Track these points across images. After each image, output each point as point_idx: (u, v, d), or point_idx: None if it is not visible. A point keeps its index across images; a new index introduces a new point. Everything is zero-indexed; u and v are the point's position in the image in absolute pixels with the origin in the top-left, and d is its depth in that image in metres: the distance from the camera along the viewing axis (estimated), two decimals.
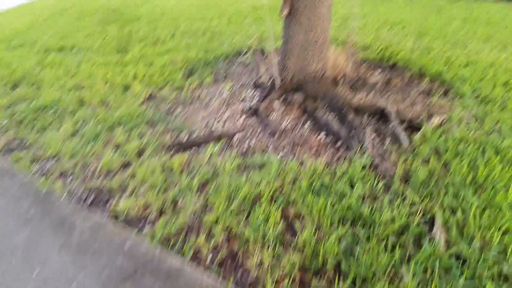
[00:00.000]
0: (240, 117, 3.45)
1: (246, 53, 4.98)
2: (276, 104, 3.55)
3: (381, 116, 3.27)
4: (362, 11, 6.09)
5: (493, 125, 2.97)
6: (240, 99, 3.77)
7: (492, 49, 4.65)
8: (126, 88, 4.02)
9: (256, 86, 4.01)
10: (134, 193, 2.44)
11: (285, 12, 3.47)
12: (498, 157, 2.50)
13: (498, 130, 2.89)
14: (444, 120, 3.13)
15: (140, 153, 2.90)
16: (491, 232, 1.97)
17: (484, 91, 3.52)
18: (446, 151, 2.68)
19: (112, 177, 2.62)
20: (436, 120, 3.07)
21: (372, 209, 2.16)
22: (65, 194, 2.48)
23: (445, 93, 3.64)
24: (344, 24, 5.76)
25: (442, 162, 2.56)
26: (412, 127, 3.10)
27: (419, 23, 5.83)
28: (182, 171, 2.63)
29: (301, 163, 2.67)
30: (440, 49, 4.65)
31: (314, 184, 2.38)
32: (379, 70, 4.34)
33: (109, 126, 3.26)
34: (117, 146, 3.01)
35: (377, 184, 2.37)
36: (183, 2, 8.11)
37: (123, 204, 2.35)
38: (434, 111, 3.28)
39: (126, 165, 2.77)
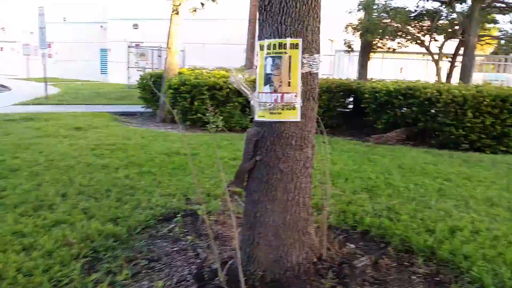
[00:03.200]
0: None
1: (172, 219, 3.74)
2: None
3: None
4: None
5: None
6: None
7: (457, 207, 4.13)
8: None
9: (201, 282, 2.70)
10: None
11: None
12: None
13: None
14: None
15: None
16: None
17: (505, 277, 2.74)
18: None
19: None
20: None
21: None
22: None
23: (459, 282, 2.77)
24: None
25: None
26: None
27: (358, 175, 5.31)
28: None
29: None
30: (407, 210, 3.99)
31: None
32: (351, 242, 3.42)
33: None
34: None
35: None
36: (78, 144, 6.72)
37: None
38: None
39: None
